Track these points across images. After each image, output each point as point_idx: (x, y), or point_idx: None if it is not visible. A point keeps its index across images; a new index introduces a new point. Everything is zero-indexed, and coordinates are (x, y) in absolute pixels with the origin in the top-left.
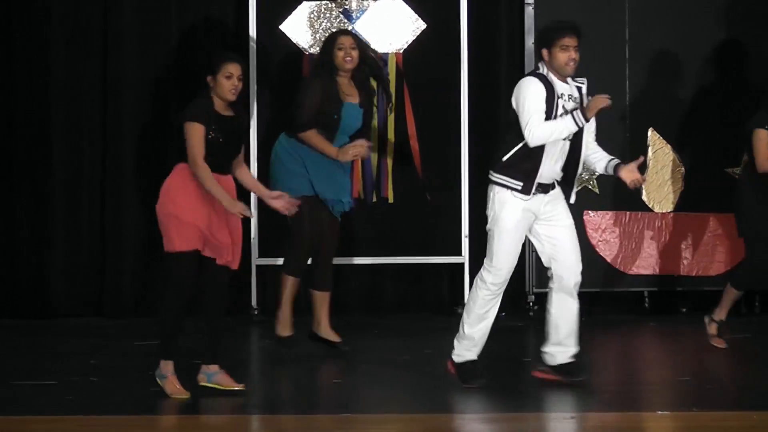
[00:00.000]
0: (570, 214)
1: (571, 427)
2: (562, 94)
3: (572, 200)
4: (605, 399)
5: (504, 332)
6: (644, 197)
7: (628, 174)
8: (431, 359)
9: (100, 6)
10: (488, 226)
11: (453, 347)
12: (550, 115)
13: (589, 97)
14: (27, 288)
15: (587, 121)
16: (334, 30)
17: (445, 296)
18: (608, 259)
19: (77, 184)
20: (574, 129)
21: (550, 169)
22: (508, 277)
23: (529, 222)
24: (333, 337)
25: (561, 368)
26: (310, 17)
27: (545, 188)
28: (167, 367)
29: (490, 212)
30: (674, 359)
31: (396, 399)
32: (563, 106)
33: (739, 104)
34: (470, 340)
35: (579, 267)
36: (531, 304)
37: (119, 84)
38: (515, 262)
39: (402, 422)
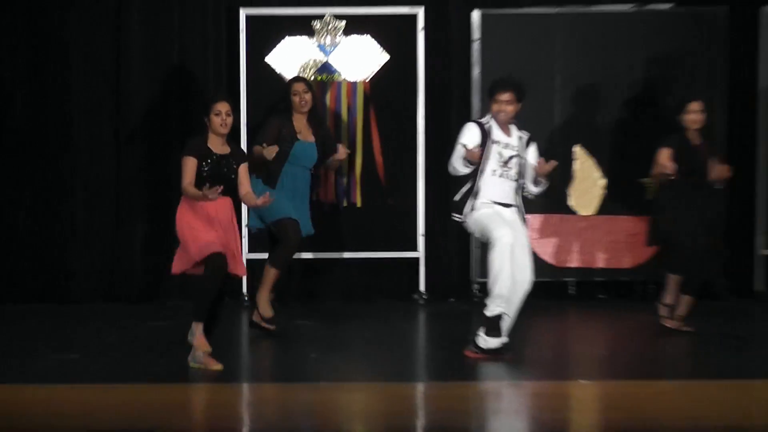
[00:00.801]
0: (527, 237)
1: (510, 393)
2: (498, 141)
3: (526, 222)
4: (537, 370)
5: (453, 315)
6: (571, 203)
7: (542, 166)
8: (392, 337)
9: (112, 41)
10: (480, 235)
11: (485, 305)
12: (485, 151)
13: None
14: (51, 277)
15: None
16: (309, 62)
17: (404, 285)
18: (542, 255)
19: (95, 185)
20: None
21: (499, 194)
22: (512, 244)
23: (503, 216)
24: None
25: (489, 350)
26: (291, 51)
27: (504, 205)
28: (198, 327)
29: (475, 230)
30: (594, 337)
31: (362, 370)
32: (499, 152)
33: (649, 124)
34: (499, 297)
35: (530, 282)
36: (476, 291)
37: (130, 101)
38: (512, 233)
39: (367, 390)
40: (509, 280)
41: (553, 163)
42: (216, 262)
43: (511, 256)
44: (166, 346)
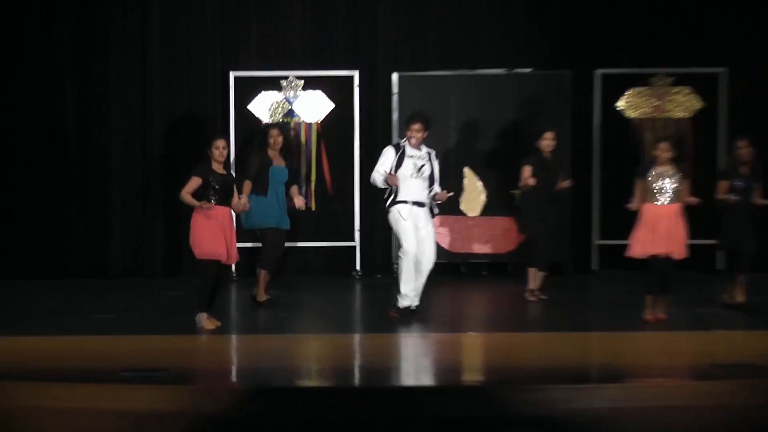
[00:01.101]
0: (432, 228)
1: (419, 342)
2: (412, 155)
3: (436, 212)
4: (439, 325)
5: (379, 287)
6: (462, 207)
7: (441, 195)
8: (336, 302)
9: (140, 92)
10: (395, 230)
11: (397, 300)
12: (399, 166)
13: (436, 160)
14: (94, 258)
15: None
16: (278, 109)
17: (345, 265)
18: (441, 244)
19: (126, 191)
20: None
21: (414, 194)
22: (415, 253)
23: (415, 221)
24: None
25: (407, 311)
26: (265, 101)
27: (419, 204)
28: (203, 315)
29: (393, 225)
30: (479, 302)
31: (316, 325)
32: (413, 163)
33: (517, 153)
34: (406, 295)
35: (433, 258)
36: (396, 270)
37: (152, 136)
38: (416, 245)
39: (319, 339)
40: (412, 282)
41: (448, 195)
42: (209, 271)
43: (416, 258)
44: (178, 309)
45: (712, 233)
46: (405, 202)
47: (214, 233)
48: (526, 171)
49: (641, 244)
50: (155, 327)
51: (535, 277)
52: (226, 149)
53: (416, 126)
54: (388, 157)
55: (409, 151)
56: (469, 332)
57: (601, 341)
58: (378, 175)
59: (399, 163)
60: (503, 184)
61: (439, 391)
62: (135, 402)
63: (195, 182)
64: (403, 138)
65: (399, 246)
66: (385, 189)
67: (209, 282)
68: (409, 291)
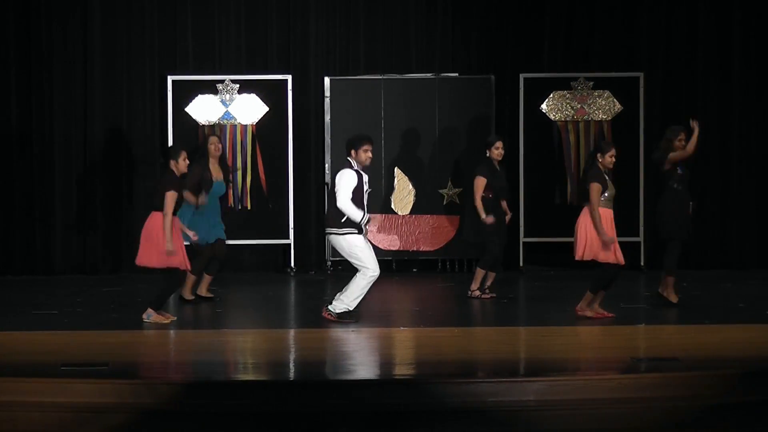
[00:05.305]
0: None
1: (355, 336)
2: (365, 179)
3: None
4: (372, 320)
5: (313, 284)
6: (393, 206)
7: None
8: (271, 298)
9: (81, 97)
10: (350, 255)
11: (335, 306)
12: (361, 191)
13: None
14: (36, 256)
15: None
16: (214, 111)
17: (280, 262)
18: (373, 242)
19: (70, 192)
20: (356, 220)
21: (367, 218)
22: (379, 269)
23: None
24: (208, 295)
25: (340, 315)
26: (202, 104)
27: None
28: (153, 313)
29: (345, 248)
30: (409, 298)
31: (252, 320)
32: (365, 187)
33: (443, 152)
34: (348, 306)
35: None
36: (329, 266)
37: (93, 137)
38: (376, 258)
39: (255, 334)
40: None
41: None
42: (176, 277)
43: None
44: (119, 305)
45: (636, 231)
46: (361, 231)
47: (180, 244)
48: (480, 182)
49: (614, 251)
50: (96, 322)
51: (484, 277)
52: (186, 160)
53: (369, 146)
54: (352, 182)
55: (362, 175)
56: (401, 327)
57: (528, 336)
58: (355, 212)
59: (360, 189)
60: (431, 183)
61: (371, 384)
62: (75, 396)
63: (174, 197)
64: (349, 160)
65: (329, 244)
66: (342, 215)
67: (175, 287)
68: (355, 304)
